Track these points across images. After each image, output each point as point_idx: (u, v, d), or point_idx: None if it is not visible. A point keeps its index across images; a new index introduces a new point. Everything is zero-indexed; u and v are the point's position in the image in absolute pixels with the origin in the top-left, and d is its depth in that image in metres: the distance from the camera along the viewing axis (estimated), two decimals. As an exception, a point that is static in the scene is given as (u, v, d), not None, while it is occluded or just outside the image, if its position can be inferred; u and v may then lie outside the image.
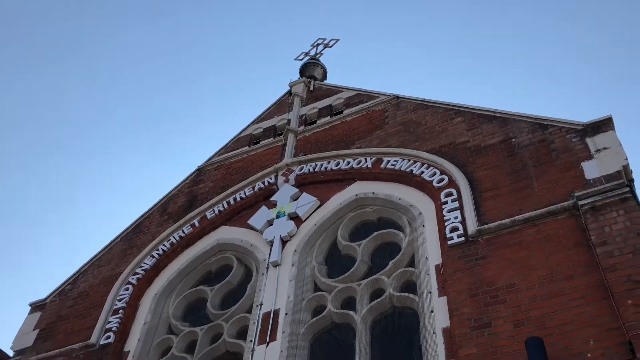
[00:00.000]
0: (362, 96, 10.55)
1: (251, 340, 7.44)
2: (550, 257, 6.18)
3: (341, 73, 24.98)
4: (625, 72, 26.52)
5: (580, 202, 6.42)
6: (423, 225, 7.57)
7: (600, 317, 5.42)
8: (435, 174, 8.01)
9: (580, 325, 5.46)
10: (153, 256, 9.57)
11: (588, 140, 7.25)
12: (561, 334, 5.46)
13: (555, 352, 5.28)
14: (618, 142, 7.07)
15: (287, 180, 9.62)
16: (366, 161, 8.96)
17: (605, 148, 7.03)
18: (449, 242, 6.94)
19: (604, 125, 7.35)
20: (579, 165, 7.00)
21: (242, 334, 7.88)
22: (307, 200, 9.02)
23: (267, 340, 7.28)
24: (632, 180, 6.66)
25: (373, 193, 8.55)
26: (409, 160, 8.48)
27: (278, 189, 9.57)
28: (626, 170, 6.64)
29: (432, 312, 6.48)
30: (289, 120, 10.98)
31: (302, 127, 10.68)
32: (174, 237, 9.74)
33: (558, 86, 27.43)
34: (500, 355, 5.56)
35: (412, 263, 7.46)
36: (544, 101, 26.56)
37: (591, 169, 6.86)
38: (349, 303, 7.49)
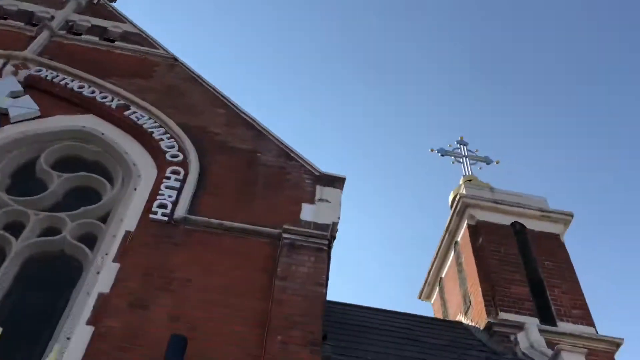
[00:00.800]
0: (142, 39, 9.83)
1: None
2: (235, 270, 6.25)
3: (136, 11, 23.27)
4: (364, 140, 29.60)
5: (285, 235, 6.66)
6: (135, 189, 7.14)
7: (248, 341, 5.57)
8: (173, 147, 7.68)
9: (228, 341, 5.54)
10: None
11: (318, 187, 7.61)
12: (207, 342, 5.46)
13: (193, 356, 5.23)
14: (339, 201, 7.55)
15: (15, 74, 8.35)
16: (112, 100, 8.25)
17: (327, 201, 7.45)
18: (151, 216, 6.65)
19: (337, 182, 7.80)
20: (300, 204, 7.29)
21: None
22: (28, 104, 7.90)
23: None
24: (334, 238, 7.11)
25: (103, 134, 7.86)
26: (155, 122, 8.03)
27: (0, 77, 8.23)
28: (334, 227, 7.07)
29: (98, 273, 6.04)
30: (53, 17, 9.67)
31: (63, 32, 9.48)
32: None
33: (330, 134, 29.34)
34: (140, 338, 5.37)
35: (105, 219, 6.92)
36: (310, 137, 28.12)
37: (308, 212, 7.18)
38: (15, 227, 6.61)
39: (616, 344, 7.90)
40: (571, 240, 11.99)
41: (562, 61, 27.34)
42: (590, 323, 8.19)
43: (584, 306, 8.39)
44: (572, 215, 9.61)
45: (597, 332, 8.03)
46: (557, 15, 26.82)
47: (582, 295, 8.57)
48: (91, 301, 5.75)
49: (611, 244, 25.24)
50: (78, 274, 6.29)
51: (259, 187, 7.44)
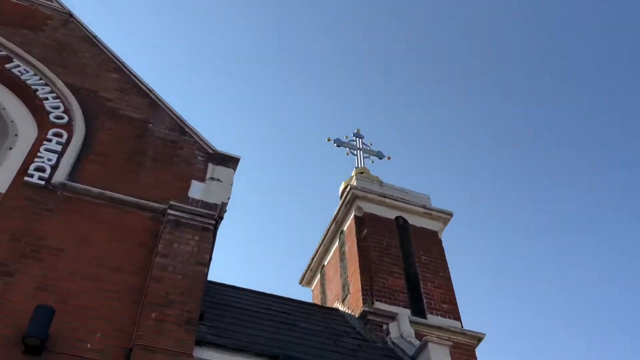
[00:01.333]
0: (36, -12, 9.13)
1: None
2: (111, 243, 6.03)
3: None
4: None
5: (170, 211, 6.53)
6: (10, 148, 6.67)
7: (120, 316, 5.40)
8: (58, 108, 7.25)
9: (98, 315, 5.34)
10: None
11: (210, 165, 7.50)
12: (76, 315, 5.25)
13: (59, 329, 5.02)
14: (231, 181, 7.47)
15: None
16: (-6, 50, 7.62)
17: (218, 180, 7.35)
18: (26, 178, 6.28)
19: (230, 162, 7.70)
20: (189, 180, 7.15)
21: None
22: None
23: None
24: (221, 218, 6.98)
25: (-21, 85, 7.24)
26: (41, 80, 7.53)
27: None
28: (223, 208, 6.97)
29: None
30: None
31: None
32: None
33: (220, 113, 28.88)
34: (2, 308, 5.07)
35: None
36: (207, 115, 27.50)
37: (197, 190, 7.06)
38: None
39: (478, 338, 8.43)
40: (449, 237, 12.66)
41: (454, 63, 28.63)
42: (457, 317, 8.68)
43: (452, 301, 8.86)
44: (451, 215, 10.12)
45: (462, 327, 8.53)
46: (453, 15, 28.00)
47: (452, 290, 9.06)
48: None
49: (485, 242, 26.95)
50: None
51: (148, 159, 7.19)
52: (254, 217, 27.91)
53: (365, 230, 9.41)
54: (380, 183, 10.48)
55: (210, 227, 6.61)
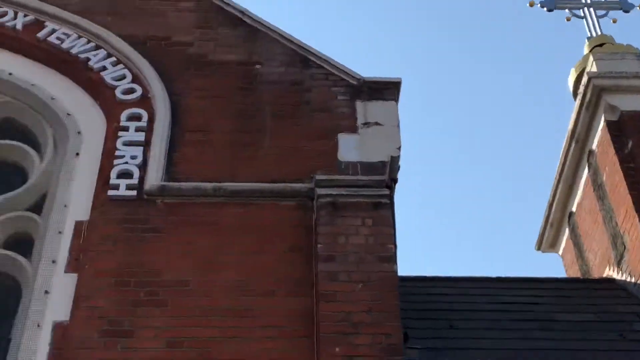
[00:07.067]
0: None
1: None
2: (250, 257, 6.54)
3: None
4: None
5: (320, 191, 6.81)
6: (77, 153, 7.42)
7: (293, 360, 5.91)
8: (124, 77, 7.90)
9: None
10: None
11: (359, 104, 7.73)
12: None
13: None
14: (397, 120, 7.59)
15: None
16: (16, 17, 8.39)
17: (377, 124, 7.55)
18: (111, 193, 6.94)
19: (387, 90, 7.86)
20: (335, 135, 7.44)
21: None
22: None
23: None
24: (394, 181, 7.12)
25: (10, 74, 8.05)
26: (89, 41, 8.20)
27: None
28: (393, 165, 7.09)
29: (46, 293, 6.38)
30: None
31: None
32: None
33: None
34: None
35: (39, 207, 7.22)
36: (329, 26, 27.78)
37: (349, 147, 7.31)
38: None
39: None
40: None
41: None
42: None
43: None
44: None
45: None
46: None
47: None
48: (45, 337, 6.10)
49: None
50: (16, 297, 6.63)
51: (267, 119, 7.62)
52: (434, 161, 27.65)
53: (630, 142, 9.22)
54: (639, 55, 10.16)
55: (385, 199, 6.86)
